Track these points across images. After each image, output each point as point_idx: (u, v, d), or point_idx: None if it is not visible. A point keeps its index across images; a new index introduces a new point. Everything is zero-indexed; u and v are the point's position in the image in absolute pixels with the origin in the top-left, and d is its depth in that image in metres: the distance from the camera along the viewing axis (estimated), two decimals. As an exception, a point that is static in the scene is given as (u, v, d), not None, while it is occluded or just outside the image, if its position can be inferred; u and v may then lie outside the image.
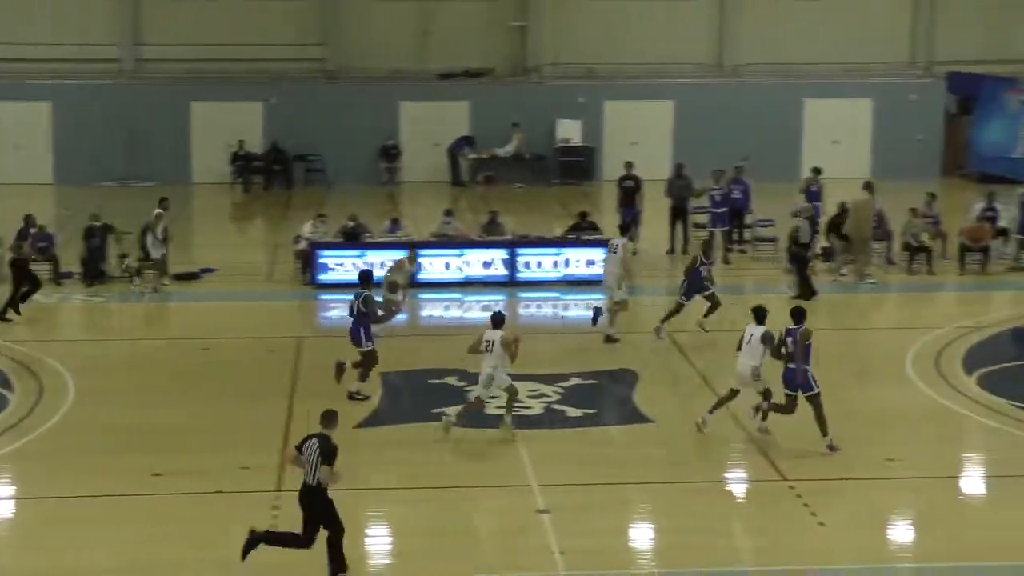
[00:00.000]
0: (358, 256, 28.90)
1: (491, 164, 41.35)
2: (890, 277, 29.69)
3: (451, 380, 22.25)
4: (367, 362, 21.45)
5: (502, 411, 19.74)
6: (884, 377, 23.06)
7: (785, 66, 42.43)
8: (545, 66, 42.46)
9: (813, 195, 31.86)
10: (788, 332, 19.02)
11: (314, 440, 14.93)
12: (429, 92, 41.86)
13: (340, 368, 21.42)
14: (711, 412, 19.56)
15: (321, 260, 28.89)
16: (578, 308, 27.85)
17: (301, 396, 21.54)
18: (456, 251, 29.13)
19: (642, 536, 16.85)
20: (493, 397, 20.11)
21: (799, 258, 27.87)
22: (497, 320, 19.81)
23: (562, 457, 18.99)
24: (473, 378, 22.17)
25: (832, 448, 18.81)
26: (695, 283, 24.45)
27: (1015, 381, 22.79)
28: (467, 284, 28.81)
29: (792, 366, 18.92)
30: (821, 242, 30.11)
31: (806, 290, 27.24)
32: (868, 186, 30.30)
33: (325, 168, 41.26)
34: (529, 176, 41.22)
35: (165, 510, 17.07)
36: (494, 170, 41.17)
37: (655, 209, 32.28)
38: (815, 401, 18.83)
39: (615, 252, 24.88)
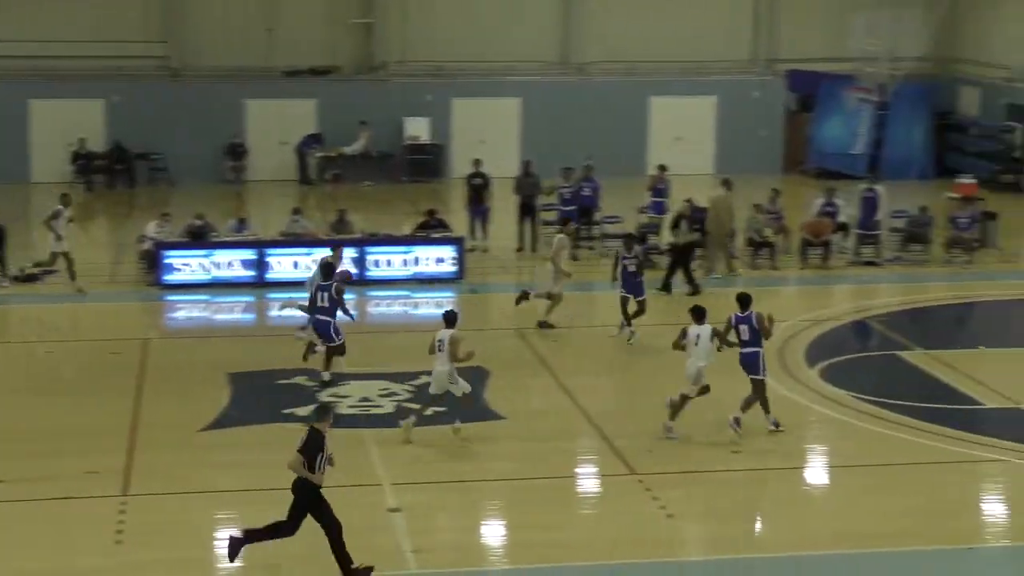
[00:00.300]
0: (204, 256, 28.57)
1: (339, 162, 41.11)
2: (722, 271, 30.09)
3: (301, 380, 22.10)
4: (336, 353, 21.92)
5: (411, 413, 19.53)
6: (728, 370, 23.36)
7: (629, 64, 42.85)
8: (391, 64, 42.33)
9: (660, 192, 32.27)
10: (738, 319, 19.48)
11: (305, 433, 15.04)
12: (275, 90, 41.45)
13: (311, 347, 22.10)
14: (672, 419, 19.49)
15: (166, 260, 28.47)
16: (428, 306, 27.83)
17: (148, 398, 21.23)
18: (305, 250, 28.89)
19: (494, 533, 16.91)
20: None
21: (683, 253, 28.18)
22: (449, 318, 19.44)
23: (413, 455, 18.97)
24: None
25: (735, 424, 19.31)
26: (627, 282, 24.37)
27: (855, 373, 23.36)
28: (316, 283, 28.57)
29: (746, 351, 19.46)
30: (667, 238, 30.49)
31: (686, 285, 27.72)
32: (726, 183, 30.73)
33: (168, 167, 40.64)
34: (377, 174, 41.05)
35: (10, 517, 16.68)
36: (342, 168, 40.93)
37: (504, 207, 32.39)
38: (760, 387, 19.56)
39: (564, 248, 25.32)
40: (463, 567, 15.57)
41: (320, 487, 14.96)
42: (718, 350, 19.54)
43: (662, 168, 33.01)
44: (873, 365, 24.26)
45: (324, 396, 21.28)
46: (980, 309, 28.46)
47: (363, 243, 29.20)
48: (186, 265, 28.48)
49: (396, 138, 41.56)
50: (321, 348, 22.10)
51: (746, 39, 44.10)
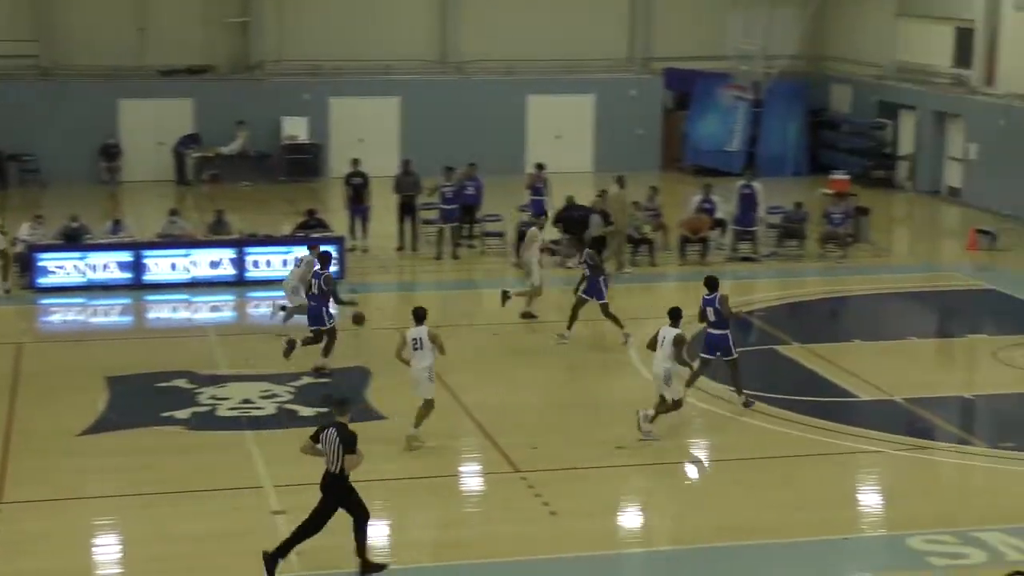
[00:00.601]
0: (79, 259, 28.11)
1: (216, 162, 40.70)
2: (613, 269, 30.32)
3: (180, 383, 21.86)
4: (331, 339, 22.34)
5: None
6: (610, 366, 23.60)
7: (508, 63, 42.97)
8: (268, 63, 42.01)
9: (538, 191, 32.36)
10: (706, 301, 20.41)
11: (332, 430, 15.08)
12: (150, 90, 40.91)
13: (291, 345, 22.39)
14: (652, 421, 19.63)
15: (40, 263, 27.96)
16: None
17: (22, 403, 20.85)
18: (182, 251, 28.60)
19: (378, 532, 16.82)
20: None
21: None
22: (419, 315, 19.11)
23: (296, 457, 18.75)
24: (203, 380, 21.91)
25: (747, 405, 20.47)
26: (587, 286, 24.45)
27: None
28: (194, 285, 28.31)
29: (715, 332, 20.29)
30: (552, 235, 30.67)
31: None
32: (620, 180, 31.02)
33: (40, 168, 39.91)
34: (255, 174, 40.70)
35: None
36: (220, 168, 40.53)
37: (384, 205, 32.28)
38: (735, 365, 20.38)
39: (534, 240, 25.77)
40: (348, 568, 15.50)
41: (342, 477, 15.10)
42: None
43: (539, 167, 33.15)
44: (751, 359, 24.50)
45: (204, 398, 21.07)
46: (854, 303, 28.97)
47: (242, 244, 28.95)
48: (60, 268, 28.00)
49: (274, 138, 41.26)
50: (300, 347, 22.45)
51: (623, 38, 44.46)
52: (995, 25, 38.10)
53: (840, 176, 37.15)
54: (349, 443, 14.97)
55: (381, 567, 15.29)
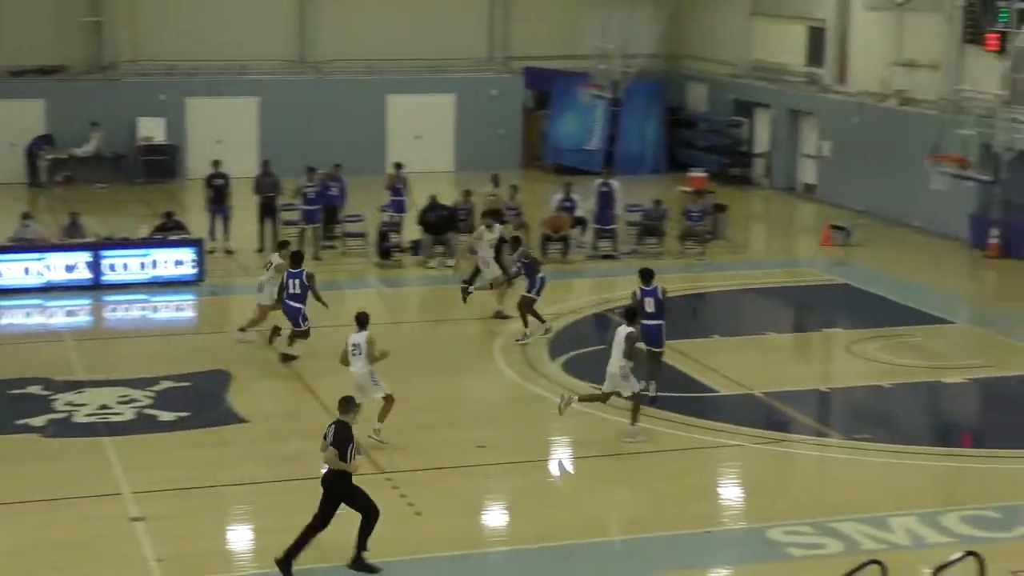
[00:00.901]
0: (-71, 263, 27.44)
1: (70, 164, 39.96)
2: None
3: (35, 390, 21.43)
4: (302, 337, 22.76)
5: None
6: (473, 365, 23.65)
7: (367, 62, 42.81)
8: (123, 63, 41.34)
9: (398, 191, 32.27)
10: (644, 293, 20.58)
11: (332, 427, 15.07)
12: (0, 90, 40.03)
13: (276, 331, 22.98)
14: (580, 400, 19.94)
15: None
16: (168, 310, 27.28)
17: None
18: (36, 255, 28.02)
19: (241, 537, 16.71)
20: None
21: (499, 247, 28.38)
22: (362, 320, 19.05)
23: (156, 462, 18.59)
24: (59, 387, 21.51)
25: (648, 395, 20.45)
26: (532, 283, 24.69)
27: (597, 364, 23.72)
28: (49, 289, 27.75)
29: (651, 323, 20.49)
30: (412, 235, 30.67)
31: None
32: (495, 179, 30.95)
33: None
34: (111, 175, 40.05)
35: None
36: (73, 170, 39.81)
37: (243, 206, 31.96)
38: (659, 358, 20.83)
39: (480, 238, 26.50)
40: (211, 574, 15.34)
41: (352, 476, 15.07)
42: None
43: (398, 166, 33.08)
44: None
45: (60, 405, 20.67)
46: (713, 299, 29.34)
47: (98, 247, 28.46)
48: (-91, 274, 27.33)
49: (129, 138, 40.64)
50: (286, 331, 22.71)
51: (483, 37, 44.54)
52: (846, 25, 38.89)
53: (698, 174, 37.59)
54: (338, 440, 14.93)
55: (376, 569, 15.24)
